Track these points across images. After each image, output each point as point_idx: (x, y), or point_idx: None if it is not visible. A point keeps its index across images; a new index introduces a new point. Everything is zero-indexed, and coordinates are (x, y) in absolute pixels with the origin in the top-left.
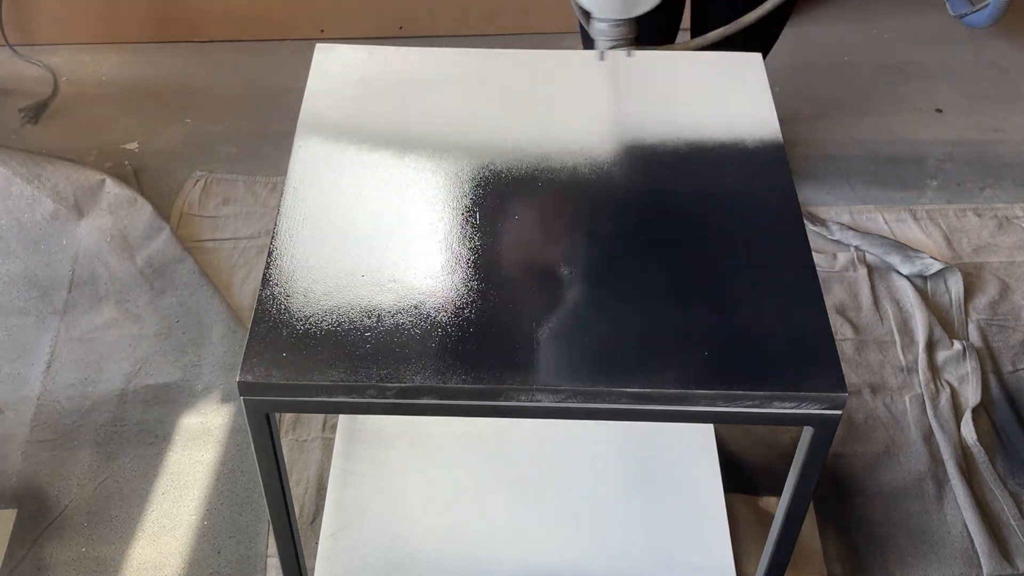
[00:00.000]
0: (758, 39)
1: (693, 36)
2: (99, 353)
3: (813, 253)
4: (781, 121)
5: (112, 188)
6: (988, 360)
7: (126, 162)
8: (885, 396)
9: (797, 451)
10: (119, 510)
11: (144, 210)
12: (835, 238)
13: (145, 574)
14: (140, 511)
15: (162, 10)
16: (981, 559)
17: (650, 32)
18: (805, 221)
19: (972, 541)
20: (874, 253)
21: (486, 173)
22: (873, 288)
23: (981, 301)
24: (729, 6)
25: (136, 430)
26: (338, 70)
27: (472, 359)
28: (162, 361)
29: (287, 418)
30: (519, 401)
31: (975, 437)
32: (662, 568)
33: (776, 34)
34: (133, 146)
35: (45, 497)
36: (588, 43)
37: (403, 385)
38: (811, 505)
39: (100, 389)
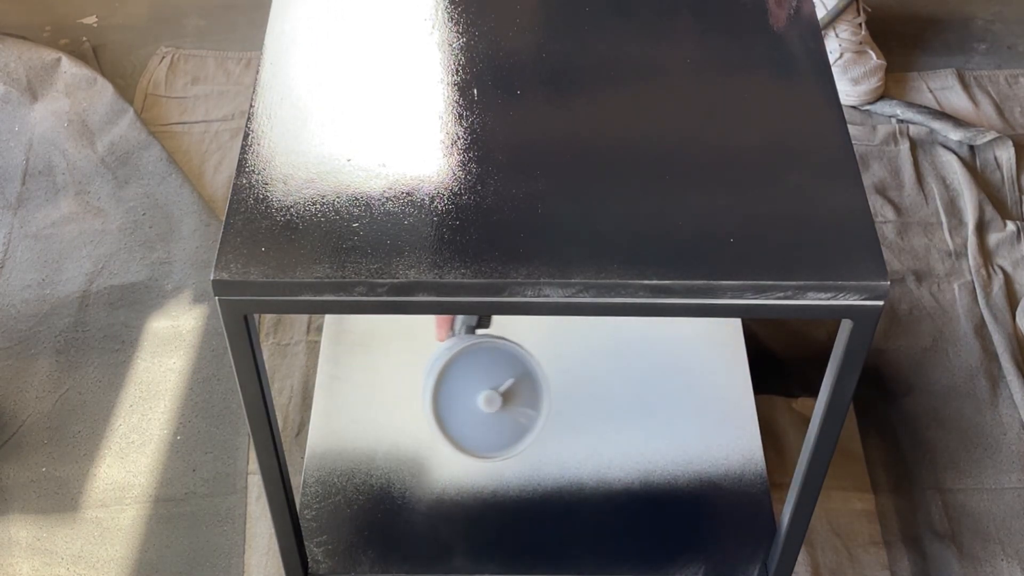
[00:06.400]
0: None
1: None
2: (57, 251)
3: (849, 125)
4: None
5: (69, 67)
6: None
7: (84, 38)
8: (931, 284)
9: (835, 347)
10: (82, 425)
11: (105, 91)
12: (874, 108)
13: (112, 495)
14: (105, 426)
15: None
16: None
17: None
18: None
19: None
20: (917, 122)
21: (485, 43)
22: (916, 164)
23: None
24: None
25: (100, 336)
26: None
27: (472, 251)
28: (127, 259)
29: (267, 320)
30: (525, 296)
31: None
32: (686, 474)
33: None
34: (91, 20)
35: (0, 412)
36: None
37: (396, 281)
38: (851, 406)
39: (59, 291)
